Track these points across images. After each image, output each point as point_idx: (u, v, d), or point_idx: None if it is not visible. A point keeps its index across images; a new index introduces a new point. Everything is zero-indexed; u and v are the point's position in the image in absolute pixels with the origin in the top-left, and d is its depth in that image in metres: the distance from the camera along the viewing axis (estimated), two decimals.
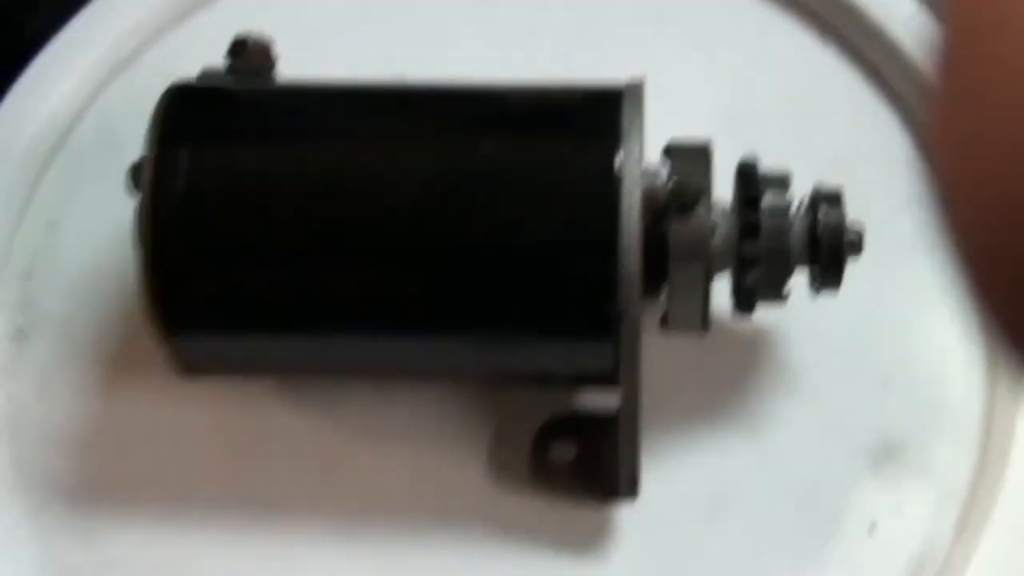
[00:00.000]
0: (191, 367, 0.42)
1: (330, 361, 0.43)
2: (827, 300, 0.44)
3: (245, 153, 0.40)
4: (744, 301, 0.43)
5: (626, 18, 0.53)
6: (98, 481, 0.45)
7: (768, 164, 0.43)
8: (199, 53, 0.46)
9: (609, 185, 0.39)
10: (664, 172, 0.41)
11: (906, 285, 0.48)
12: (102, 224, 0.47)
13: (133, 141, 0.47)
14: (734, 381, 0.47)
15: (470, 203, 0.39)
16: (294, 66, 0.44)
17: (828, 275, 0.43)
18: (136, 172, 0.40)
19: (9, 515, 0.44)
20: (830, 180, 0.44)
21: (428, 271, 0.39)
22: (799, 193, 0.43)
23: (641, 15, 0.53)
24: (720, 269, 0.43)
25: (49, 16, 0.51)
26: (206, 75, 0.43)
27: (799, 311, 0.45)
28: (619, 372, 0.41)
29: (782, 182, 0.43)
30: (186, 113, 0.40)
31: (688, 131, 0.43)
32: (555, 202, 0.39)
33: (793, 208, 0.43)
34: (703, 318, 0.42)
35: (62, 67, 0.49)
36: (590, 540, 0.45)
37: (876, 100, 0.52)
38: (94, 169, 0.49)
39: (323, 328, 0.41)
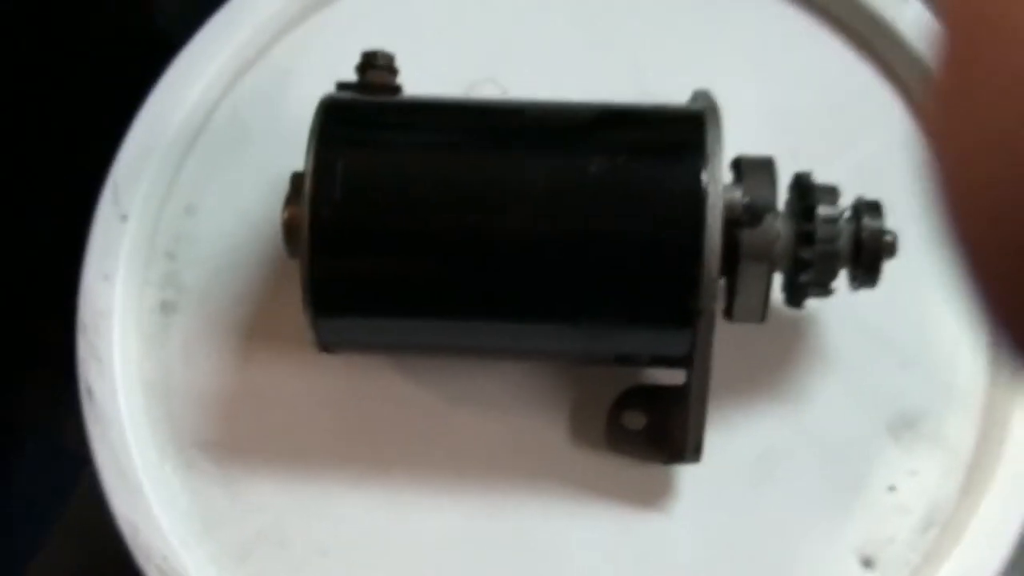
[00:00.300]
0: (329, 345, 0.49)
1: (448, 346, 0.50)
2: (861, 293, 0.52)
3: (388, 166, 0.47)
4: (795, 297, 0.51)
5: (687, 33, 0.60)
6: (236, 438, 0.52)
7: (809, 168, 0.51)
8: (315, 53, 0.52)
9: (696, 201, 0.46)
10: (738, 188, 0.48)
11: (925, 280, 0.56)
12: (234, 209, 0.54)
13: (260, 132, 0.54)
14: (778, 360, 0.55)
15: (582, 214, 0.46)
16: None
17: (868, 275, 0.51)
18: (296, 180, 0.46)
19: (164, 469, 0.51)
20: (860, 184, 0.52)
21: (544, 270, 0.46)
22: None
23: (698, 29, 0.60)
24: (777, 269, 0.50)
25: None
26: (343, 88, 0.50)
27: (836, 301, 0.53)
28: (693, 357, 0.48)
29: (832, 193, 0.50)
30: (337, 127, 0.47)
31: (738, 137, 0.50)
32: (652, 215, 0.47)
33: (841, 216, 0.50)
34: (763, 312, 0.50)
35: (198, 67, 0.55)
36: (656, 496, 0.53)
37: (904, 114, 0.59)
38: (227, 158, 0.55)
39: (449, 318, 0.48)
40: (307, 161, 0.46)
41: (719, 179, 0.47)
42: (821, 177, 0.51)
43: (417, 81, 0.51)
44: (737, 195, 0.48)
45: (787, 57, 0.60)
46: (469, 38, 0.58)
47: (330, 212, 0.45)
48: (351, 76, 0.50)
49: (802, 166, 0.51)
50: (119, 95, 0.53)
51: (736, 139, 0.50)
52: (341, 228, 0.46)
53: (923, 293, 0.56)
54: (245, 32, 0.56)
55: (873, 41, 0.59)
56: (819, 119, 0.59)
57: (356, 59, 0.50)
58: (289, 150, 0.47)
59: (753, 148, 0.51)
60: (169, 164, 0.54)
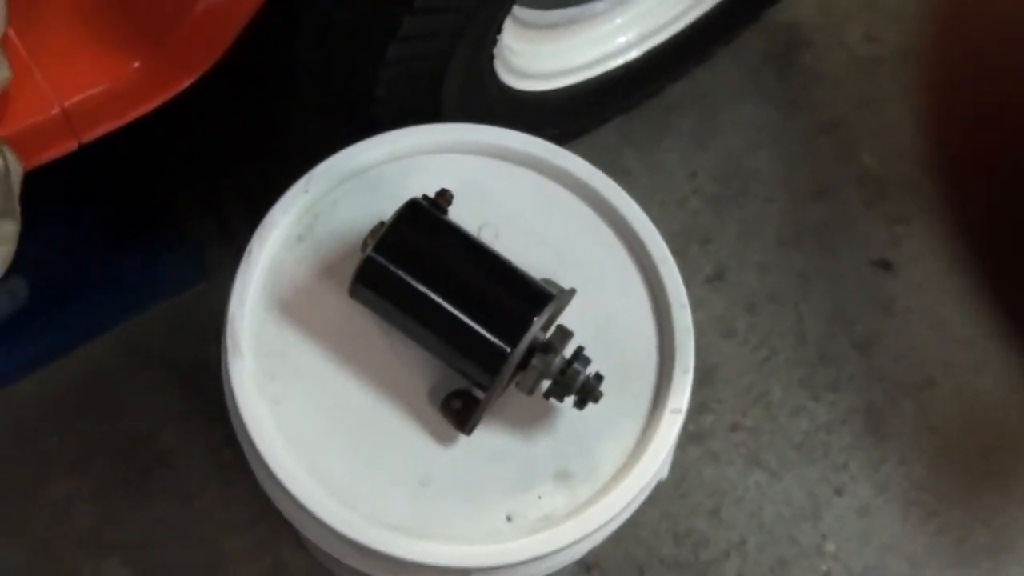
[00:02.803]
0: (356, 297, 1.08)
1: (402, 328, 1.10)
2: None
3: (421, 246, 1.08)
4: (548, 394, 1.09)
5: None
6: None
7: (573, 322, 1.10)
8: (413, 179, 1.12)
9: (522, 330, 1.05)
10: (544, 334, 1.07)
11: (608, 417, 1.13)
12: (348, 219, 1.14)
13: (355, 208, 1.14)
14: (533, 410, 1.13)
15: (481, 305, 1.06)
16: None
17: (582, 401, 1.09)
18: (378, 227, 1.06)
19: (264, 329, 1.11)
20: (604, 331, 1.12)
21: (456, 329, 1.07)
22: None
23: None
24: (546, 378, 1.08)
25: None
26: (424, 198, 1.09)
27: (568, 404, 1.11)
28: (490, 388, 1.06)
29: (581, 351, 1.08)
30: (410, 214, 1.07)
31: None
32: (509, 327, 1.06)
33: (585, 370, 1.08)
34: (531, 390, 1.08)
35: (360, 152, 1.17)
36: (455, 436, 1.11)
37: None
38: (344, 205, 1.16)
39: (408, 319, 1.08)
40: (387, 220, 1.06)
41: (538, 325, 1.06)
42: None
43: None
44: (541, 336, 1.07)
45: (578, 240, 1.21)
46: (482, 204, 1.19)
47: (384, 248, 1.05)
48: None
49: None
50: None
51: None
52: (386, 257, 1.06)
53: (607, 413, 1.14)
54: (367, 156, 1.19)
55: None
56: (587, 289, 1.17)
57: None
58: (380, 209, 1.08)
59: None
60: (307, 205, 1.17)
